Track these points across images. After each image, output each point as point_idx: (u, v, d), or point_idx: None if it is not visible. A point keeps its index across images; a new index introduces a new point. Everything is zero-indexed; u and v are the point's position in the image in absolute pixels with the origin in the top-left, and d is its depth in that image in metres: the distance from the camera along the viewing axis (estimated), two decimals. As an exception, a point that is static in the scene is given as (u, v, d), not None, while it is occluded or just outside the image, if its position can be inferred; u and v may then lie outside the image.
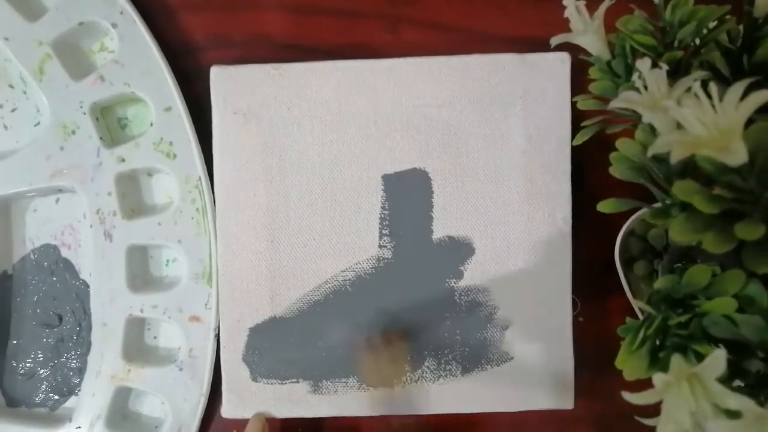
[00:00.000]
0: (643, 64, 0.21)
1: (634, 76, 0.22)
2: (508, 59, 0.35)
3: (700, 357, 0.22)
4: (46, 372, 0.39)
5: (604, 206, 0.26)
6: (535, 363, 0.35)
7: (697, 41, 0.25)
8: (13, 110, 0.38)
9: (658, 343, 0.24)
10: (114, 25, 0.36)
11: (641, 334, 0.23)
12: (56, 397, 0.39)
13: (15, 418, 0.38)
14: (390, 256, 0.35)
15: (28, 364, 0.39)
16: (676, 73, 0.25)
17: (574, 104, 0.34)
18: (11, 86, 0.38)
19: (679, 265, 0.29)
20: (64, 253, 0.39)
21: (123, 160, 0.36)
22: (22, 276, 0.39)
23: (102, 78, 0.36)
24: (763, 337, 0.21)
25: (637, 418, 0.22)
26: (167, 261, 0.38)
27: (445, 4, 0.38)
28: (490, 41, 0.38)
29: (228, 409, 0.36)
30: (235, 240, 0.35)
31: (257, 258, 0.35)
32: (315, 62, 0.35)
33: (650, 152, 0.20)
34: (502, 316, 0.35)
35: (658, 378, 0.20)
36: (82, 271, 0.39)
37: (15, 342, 0.39)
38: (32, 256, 0.39)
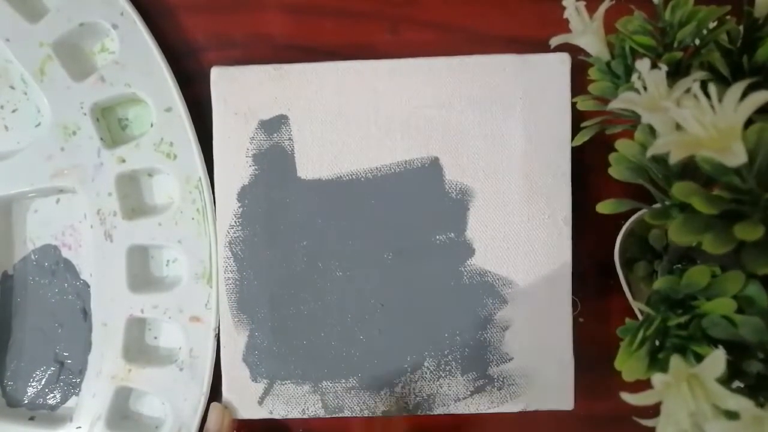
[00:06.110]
0: (643, 64, 0.21)
1: (634, 77, 0.22)
2: (508, 60, 0.35)
3: (699, 358, 0.22)
4: (46, 372, 0.39)
5: (604, 207, 0.26)
6: (535, 363, 0.35)
7: (697, 42, 0.25)
8: (13, 111, 0.38)
9: (657, 343, 0.24)
10: (114, 26, 0.36)
11: (640, 335, 0.23)
12: (57, 397, 0.39)
13: (15, 419, 0.38)
14: (390, 257, 0.35)
15: (28, 365, 0.39)
16: (675, 73, 0.25)
17: (574, 105, 0.34)
18: (12, 87, 0.38)
19: (679, 265, 0.29)
20: (65, 253, 0.39)
21: (123, 161, 0.36)
22: (23, 276, 0.39)
23: (102, 79, 0.36)
24: (762, 338, 0.21)
25: (635, 419, 0.22)
26: (168, 261, 0.39)
27: (445, 4, 0.38)
28: (490, 41, 0.38)
29: (228, 410, 0.36)
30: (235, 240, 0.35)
31: (257, 258, 0.35)
32: (315, 63, 0.35)
33: (650, 153, 0.20)
34: (501, 316, 0.35)
35: (657, 379, 0.20)
36: (83, 271, 0.39)
37: (15, 342, 0.39)
38: (33, 257, 0.39)
